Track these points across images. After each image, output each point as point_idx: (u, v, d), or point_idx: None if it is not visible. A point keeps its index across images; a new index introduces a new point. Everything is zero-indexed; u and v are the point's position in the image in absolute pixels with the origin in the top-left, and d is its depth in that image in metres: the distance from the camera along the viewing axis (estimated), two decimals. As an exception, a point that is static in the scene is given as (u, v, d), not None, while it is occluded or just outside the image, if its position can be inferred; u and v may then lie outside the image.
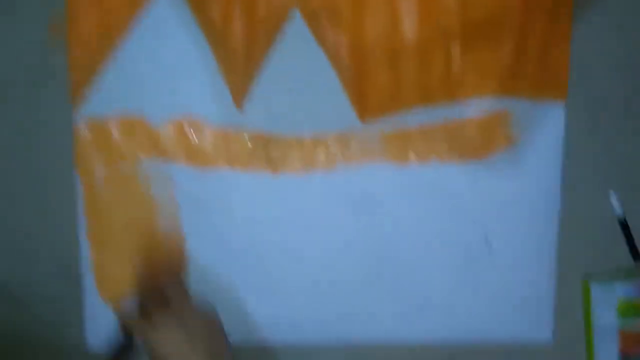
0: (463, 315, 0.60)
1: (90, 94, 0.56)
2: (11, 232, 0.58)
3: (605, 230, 0.60)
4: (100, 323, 0.58)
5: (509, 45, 0.56)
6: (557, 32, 0.56)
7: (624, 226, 0.59)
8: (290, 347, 0.60)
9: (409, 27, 0.55)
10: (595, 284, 0.59)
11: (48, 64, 0.56)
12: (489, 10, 0.55)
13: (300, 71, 0.56)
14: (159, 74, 0.56)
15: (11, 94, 0.57)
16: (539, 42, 0.56)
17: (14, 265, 0.59)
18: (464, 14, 0.55)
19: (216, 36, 0.55)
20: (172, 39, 0.55)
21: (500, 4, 0.55)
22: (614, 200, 0.59)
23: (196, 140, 0.57)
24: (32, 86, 0.56)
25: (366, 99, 0.56)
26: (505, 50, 0.56)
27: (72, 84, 0.56)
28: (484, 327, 0.60)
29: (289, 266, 0.59)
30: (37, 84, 0.56)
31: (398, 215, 0.58)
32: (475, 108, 0.57)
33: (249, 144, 0.57)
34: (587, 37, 0.57)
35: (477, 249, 0.59)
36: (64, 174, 0.57)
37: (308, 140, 0.57)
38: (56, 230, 0.58)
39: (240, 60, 0.55)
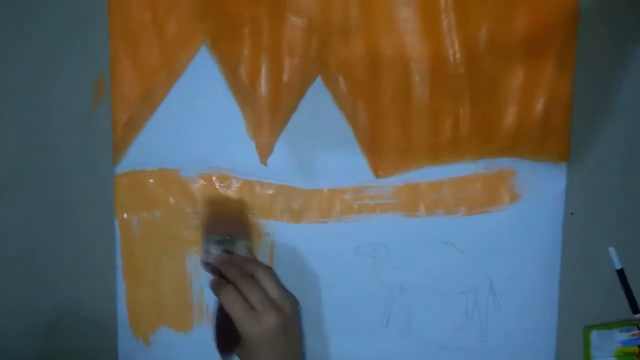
0: (470, 358, 0.63)
1: (131, 148, 0.60)
2: (55, 272, 0.62)
3: (604, 282, 0.62)
4: (132, 356, 0.62)
5: (512, 108, 0.60)
6: (559, 95, 0.60)
7: (623, 279, 0.62)
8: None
9: (421, 92, 0.60)
10: (595, 332, 0.62)
11: (93, 122, 0.61)
12: (493, 74, 0.60)
13: (320, 130, 0.60)
14: (193, 131, 0.60)
15: (60, 148, 0.61)
16: (540, 106, 0.60)
17: (57, 303, 0.63)
18: (470, 79, 0.59)
19: (244, 98, 0.60)
20: (205, 100, 0.60)
21: (504, 69, 0.59)
22: (613, 255, 0.62)
23: (224, 191, 0.61)
24: (79, 141, 0.61)
25: (380, 156, 0.60)
26: (509, 113, 0.60)
27: (115, 140, 0.60)
28: (489, 371, 0.63)
29: (307, 309, 0.62)
30: (83, 140, 0.61)
31: (408, 262, 0.62)
32: (481, 166, 0.61)
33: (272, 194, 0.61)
34: (588, 99, 0.61)
35: (482, 296, 0.62)
36: (104, 220, 0.61)
37: (325, 192, 0.61)
38: (96, 270, 0.62)
39: (266, 120, 0.60)
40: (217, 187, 0.61)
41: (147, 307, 0.62)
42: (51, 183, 0.62)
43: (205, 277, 0.61)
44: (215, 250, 0.58)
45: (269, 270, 0.58)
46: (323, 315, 0.62)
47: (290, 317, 0.56)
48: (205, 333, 0.62)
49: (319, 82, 0.60)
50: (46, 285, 0.63)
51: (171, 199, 0.61)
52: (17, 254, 0.63)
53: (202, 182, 0.61)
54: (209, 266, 0.58)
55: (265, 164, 0.61)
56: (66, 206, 0.62)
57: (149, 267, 0.62)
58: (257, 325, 0.53)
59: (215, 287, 0.56)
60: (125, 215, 0.61)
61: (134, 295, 0.62)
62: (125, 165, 0.61)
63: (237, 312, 0.53)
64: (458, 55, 0.59)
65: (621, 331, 0.61)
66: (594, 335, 0.62)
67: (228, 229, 0.60)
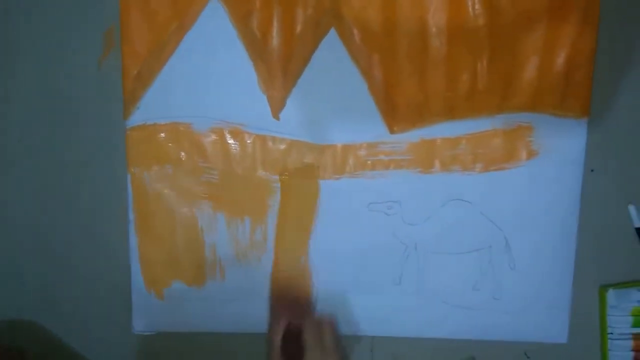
0: (483, 316, 0.62)
1: (142, 102, 0.60)
2: (67, 227, 0.63)
3: (621, 241, 0.61)
4: (145, 308, 0.63)
5: (534, 62, 0.58)
6: (582, 50, 0.58)
7: (642, 237, 0.61)
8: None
9: (438, 44, 0.58)
10: (611, 292, 0.61)
11: (104, 75, 0.60)
12: (515, 27, 0.57)
13: (334, 84, 0.59)
14: (204, 85, 0.59)
15: (70, 101, 0.61)
16: (563, 60, 0.58)
17: (70, 259, 0.64)
18: (490, 30, 0.57)
19: (257, 51, 0.59)
20: (216, 53, 0.59)
21: (525, 21, 0.57)
22: (633, 212, 0.61)
23: (235, 146, 0.61)
24: (90, 94, 0.61)
25: (395, 111, 0.59)
26: (530, 67, 0.58)
27: (125, 94, 0.60)
28: (503, 329, 0.62)
29: (320, 261, 0.62)
30: (93, 93, 0.61)
31: (422, 219, 0.61)
32: (499, 122, 0.59)
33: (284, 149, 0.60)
34: (612, 56, 0.59)
35: (497, 254, 0.61)
36: (116, 174, 0.61)
37: (339, 148, 0.60)
38: (108, 224, 0.63)
39: (278, 74, 0.59)
40: (229, 141, 0.60)
41: (160, 261, 0.62)
42: (62, 137, 0.62)
43: (217, 233, 0.62)
44: None
45: (335, 324, 0.59)
46: (335, 272, 0.62)
47: None
48: (217, 288, 0.62)
49: (332, 34, 0.59)
50: (59, 240, 0.64)
51: (182, 154, 0.61)
52: (29, 208, 0.63)
53: (213, 136, 0.60)
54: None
55: (278, 119, 0.60)
56: (78, 159, 0.62)
57: (161, 221, 0.62)
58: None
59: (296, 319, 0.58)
60: (136, 170, 0.61)
61: (146, 249, 0.62)
62: (137, 118, 0.60)
63: (316, 346, 0.56)
64: (477, 6, 0.57)
65: (639, 290, 0.60)
66: (611, 294, 0.61)
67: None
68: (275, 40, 0.58)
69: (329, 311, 0.62)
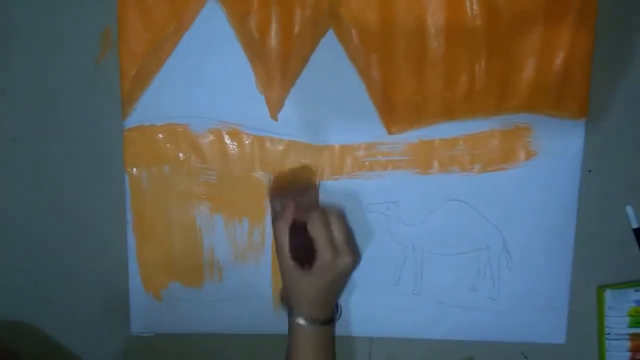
0: (481, 316, 0.62)
1: (139, 102, 0.60)
2: (65, 227, 0.63)
3: (619, 242, 0.62)
4: (143, 310, 0.63)
5: (531, 63, 0.58)
6: (579, 51, 0.58)
7: (639, 237, 0.61)
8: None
9: (436, 45, 0.58)
10: (608, 292, 0.61)
11: (101, 75, 0.60)
12: (512, 28, 0.57)
13: (332, 85, 0.59)
14: (202, 86, 0.59)
15: (67, 100, 0.61)
16: (560, 61, 0.58)
17: (68, 259, 0.63)
18: (488, 31, 0.57)
19: (255, 52, 0.59)
20: (214, 54, 0.59)
21: (523, 22, 0.57)
22: (631, 213, 0.61)
23: (233, 147, 0.60)
24: (87, 94, 0.61)
25: (393, 112, 0.59)
26: (528, 68, 0.58)
27: (123, 94, 0.60)
28: (500, 329, 0.62)
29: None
30: (90, 93, 0.61)
31: (420, 219, 0.61)
32: (497, 122, 0.59)
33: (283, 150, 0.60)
34: (609, 57, 0.59)
35: (495, 255, 0.61)
36: (114, 174, 0.61)
37: (337, 148, 0.60)
38: (106, 225, 0.62)
39: (276, 75, 0.59)
40: (227, 142, 0.60)
41: (158, 262, 0.62)
42: (59, 137, 0.62)
43: (215, 234, 0.61)
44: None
45: (343, 217, 0.58)
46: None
47: (353, 267, 0.56)
48: (215, 288, 0.62)
49: (330, 35, 0.59)
50: (56, 241, 0.63)
51: (180, 154, 0.60)
52: (24, 209, 0.63)
53: (211, 137, 0.60)
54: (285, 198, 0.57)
55: (276, 119, 0.60)
56: (75, 160, 0.62)
57: (159, 222, 0.62)
58: (334, 259, 0.54)
59: (301, 213, 0.55)
60: (134, 170, 0.61)
61: (144, 250, 0.62)
62: (134, 119, 0.60)
63: (324, 239, 0.54)
64: (475, 7, 0.57)
65: (636, 290, 0.61)
66: (608, 294, 0.61)
67: (296, 191, 0.60)
68: (273, 40, 0.58)
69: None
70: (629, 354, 0.62)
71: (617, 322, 0.62)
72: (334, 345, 0.59)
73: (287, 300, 0.58)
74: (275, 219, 0.56)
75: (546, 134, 0.59)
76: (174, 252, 0.62)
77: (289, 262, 0.55)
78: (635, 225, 0.61)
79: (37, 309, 0.64)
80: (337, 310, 0.61)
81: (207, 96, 0.60)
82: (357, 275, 0.62)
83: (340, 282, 0.58)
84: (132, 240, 0.62)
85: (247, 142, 0.60)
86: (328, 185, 0.61)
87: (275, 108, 0.59)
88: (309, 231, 0.54)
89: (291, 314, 0.57)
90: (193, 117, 0.60)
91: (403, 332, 0.63)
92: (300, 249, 0.55)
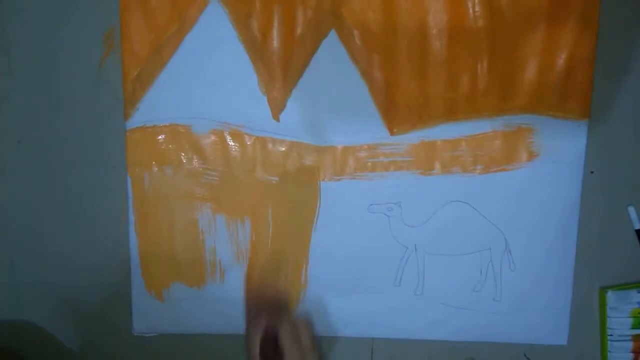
0: (483, 317, 0.62)
1: (141, 103, 0.60)
2: (67, 228, 0.63)
3: (621, 243, 0.61)
4: (145, 310, 0.63)
5: (534, 64, 0.58)
6: (582, 52, 0.58)
7: (642, 239, 0.61)
8: (319, 337, 0.63)
9: (438, 45, 0.58)
10: (610, 293, 0.61)
11: (104, 76, 0.60)
12: (515, 28, 0.57)
13: (334, 85, 0.59)
14: (204, 87, 0.59)
15: (70, 101, 0.61)
16: (563, 62, 0.58)
17: (70, 260, 0.63)
18: (490, 32, 0.57)
19: (257, 52, 0.59)
20: (216, 55, 0.59)
21: (525, 23, 0.57)
22: (633, 214, 0.61)
23: (235, 148, 0.60)
24: (90, 95, 0.61)
25: (395, 113, 0.59)
26: (530, 69, 0.58)
27: (125, 95, 0.60)
28: (502, 330, 0.62)
29: (321, 263, 0.62)
30: (92, 94, 0.61)
31: (422, 220, 0.61)
32: (499, 123, 0.59)
33: (285, 151, 0.60)
34: (612, 57, 0.59)
35: (497, 256, 0.61)
36: (116, 175, 0.61)
37: (339, 149, 0.60)
38: (108, 225, 0.62)
39: (278, 76, 0.59)
40: (229, 143, 0.60)
41: (160, 262, 0.62)
42: (62, 138, 0.62)
43: (216, 235, 0.61)
44: None
45: (310, 324, 0.59)
46: (335, 274, 0.62)
47: None
48: (217, 289, 0.62)
49: (332, 35, 0.59)
50: (58, 242, 0.63)
51: (182, 155, 0.61)
52: (28, 210, 0.63)
53: (213, 138, 0.60)
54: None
55: (278, 120, 0.60)
56: (78, 161, 0.62)
57: (161, 223, 0.62)
58: None
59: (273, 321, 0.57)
60: (137, 171, 0.61)
61: (146, 251, 0.62)
62: (136, 120, 0.60)
63: (295, 349, 0.55)
64: (477, 8, 0.57)
65: (639, 292, 0.60)
66: (610, 296, 0.61)
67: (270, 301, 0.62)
68: (275, 41, 0.58)
69: (305, 313, 0.62)
70: (631, 355, 0.62)
71: (619, 323, 0.61)
72: None
73: None
74: (247, 327, 0.58)
75: (548, 134, 0.59)
76: (176, 252, 0.62)
77: None
78: (637, 226, 0.61)
79: (39, 309, 0.64)
80: None
81: (209, 97, 0.60)
82: (359, 276, 0.62)
83: None
84: (134, 241, 0.62)
85: (249, 143, 0.60)
86: (330, 186, 0.61)
87: (277, 109, 0.59)
88: (280, 341, 0.56)
89: None
90: (195, 118, 0.60)
91: (405, 333, 0.63)
92: (274, 353, 0.56)
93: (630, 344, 0.62)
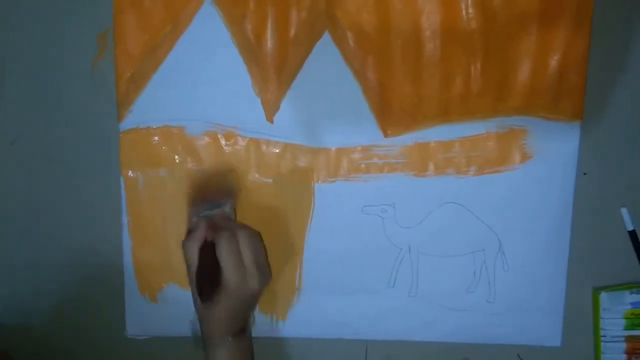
0: (477, 319, 0.62)
1: (135, 104, 0.60)
2: (61, 229, 0.63)
3: (614, 244, 0.62)
4: (139, 313, 0.63)
5: (527, 65, 0.58)
6: (575, 53, 0.58)
7: (634, 241, 0.61)
8: (314, 340, 0.64)
9: (432, 47, 0.58)
10: (604, 294, 0.61)
11: (97, 77, 0.60)
12: (508, 30, 0.57)
13: (328, 87, 0.59)
14: (197, 88, 0.59)
15: (63, 102, 0.61)
16: (556, 64, 0.58)
17: (63, 260, 0.63)
18: (484, 34, 0.57)
19: (250, 54, 0.59)
20: (210, 56, 0.59)
21: (519, 24, 0.57)
22: (626, 215, 0.61)
23: (229, 149, 0.60)
24: (82, 96, 0.61)
25: (389, 114, 0.59)
26: (523, 71, 0.58)
27: (118, 96, 0.59)
28: (496, 331, 0.63)
29: (315, 265, 0.62)
30: (86, 95, 0.61)
31: (416, 222, 0.61)
32: (493, 125, 0.59)
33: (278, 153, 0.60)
34: (605, 59, 0.59)
35: (491, 257, 0.62)
36: (110, 177, 0.61)
37: (333, 151, 0.60)
38: (102, 227, 0.62)
39: (272, 77, 0.59)
40: (223, 145, 0.60)
41: (154, 264, 0.62)
42: (56, 139, 0.62)
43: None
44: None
45: (257, 235, 0.58)
46: (329, 275, 0.62)
47: (263, 287, 0.56)
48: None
49: (326, 37, 0.59)
50: (52, 243, 0.63)
51: (176, 157, 0.60)
52: (22, 211, 0.63)
53: (207, 139, 0.60)
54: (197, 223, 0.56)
55: (272, 122, 0.60)
56: (71, 162, 0.62)
57: (154, 224, 0.62)
58: (242, 282, 0.53)
59: (212, 233, 0.55)
60: (130, 173, 0.61)
61: (140, 252, 0.62)
62: (130, 121, 0.60)
63: (231, 263, 0.53)
64: (471, 9, 0.57)
65: (632, 293, 0.61)
66: (604, 297, 0.61)
67: (212, 198, 0.59)
68: (269, 43, 0.58)
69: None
70: (624, 356, 0.62)
71: (612, 324, 0.62)
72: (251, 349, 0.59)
73: (198, 326, 0.57)
74: (185, 238, 0.56)
75: (541, 136, 0.59)
76: (170, 254, 0.62)
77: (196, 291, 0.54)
78: (630, 228, 0.61)
79: (32, 311, 0.64)
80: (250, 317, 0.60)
81: (203, 98, 0.59)
82: (354, 277, 0.62)
83: (250, 302, 0.57)
84: (127, 242, 0.62)
85: (242, 145, 0.60)
86: (324, 187, 0.61)
87: (271, 110, 0.59)
88: (217, 254, 0.53)
89: (206, 344, 0.56)
90: (189, 120, 0.60)
91: (399, 335, 0.63)
92: (214, 267, 0.54)
93: (624, 345, 0.62)
